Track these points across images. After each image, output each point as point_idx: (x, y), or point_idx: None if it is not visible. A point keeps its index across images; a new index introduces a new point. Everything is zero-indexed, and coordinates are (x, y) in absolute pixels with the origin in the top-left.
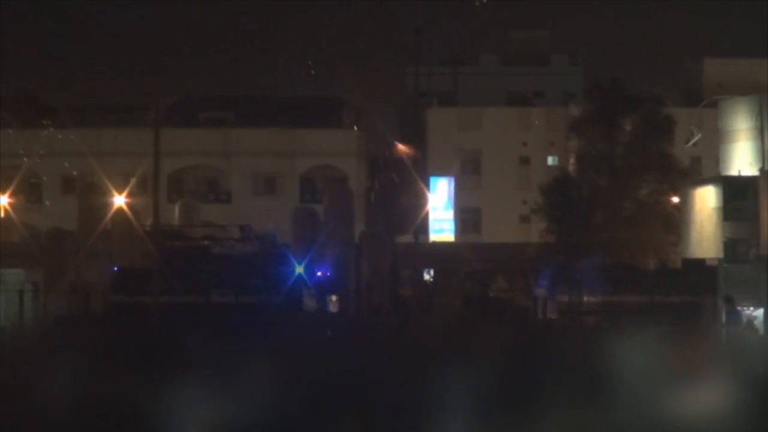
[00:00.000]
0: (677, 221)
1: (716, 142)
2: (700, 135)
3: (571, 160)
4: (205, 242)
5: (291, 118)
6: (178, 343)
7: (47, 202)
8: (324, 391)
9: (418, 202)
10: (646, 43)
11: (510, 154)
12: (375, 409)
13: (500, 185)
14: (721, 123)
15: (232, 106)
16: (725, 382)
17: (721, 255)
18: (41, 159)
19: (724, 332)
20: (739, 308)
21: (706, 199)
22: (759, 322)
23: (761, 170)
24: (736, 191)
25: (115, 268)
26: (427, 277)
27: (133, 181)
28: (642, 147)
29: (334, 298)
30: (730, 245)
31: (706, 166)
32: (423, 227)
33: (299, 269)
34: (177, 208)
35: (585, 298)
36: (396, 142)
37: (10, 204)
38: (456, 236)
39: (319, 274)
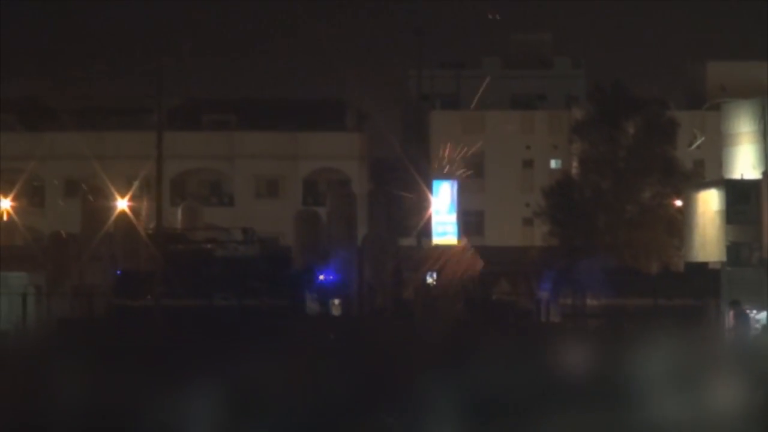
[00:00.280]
0: (680, 224)
1: (719, 145)
2: (703, 138)
3: (574, 163)
4: (208, 245)
5: (294, 121)
6: (181, 345)
7: (50, 206)
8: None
9: (421, 206)
10: (649, 45)
11: (513, 157)
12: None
13: (503, 188)
14: (724, 126)
15: (234, 109)
16: (730, 383)
17: (724, 258)
18: (44, 162)
19: (733, 335)
20: (746, 311)
21: (709, 202)
22: (762, 323)
23: (764, 173)
24: (738, 194)
25: (118, 272)
26: (429, 280)
27: (136, 184)
28: (645, 150)
29: (336, 301)
30: (733, 249)
31: (709, 169)
32: (426, 230)
33: (301, 272)
34: (180, 211)
35: (588, 301)
36: (399, 145)
37: (13, 207)
38: (459, 239)
39: (321, 277)
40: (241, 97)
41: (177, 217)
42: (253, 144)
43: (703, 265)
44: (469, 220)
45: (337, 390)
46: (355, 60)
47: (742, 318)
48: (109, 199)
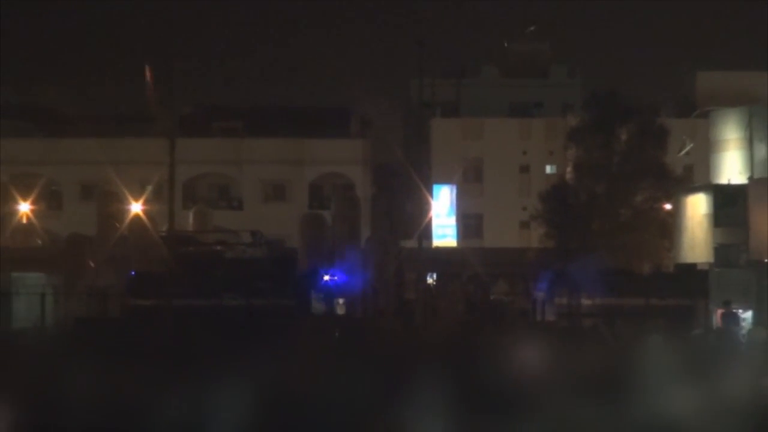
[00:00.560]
0: (670, 227)
1: (707, 151)
2: (692, 144)
3: (569, 169)
4: (218, 247)
5: (300, 127)
6: (192, 343)
7: (67, 209)
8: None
9: (422, 209)
10: (643, 56)
11: (510, 163)
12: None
13: (501, 192)
14: (712, 133)
15: (243, 116)
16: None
17: (712, 260)
18: (61, 167)
19: (721, 333)
20: (735, 311)
21: (698, 206)
22: (748, 323)
23: (750, 179)
24: (726, 199)
25: (132, 273)
26: (430, 281)
27: (149, 188)
28: (637, 156)
29: (341, 300)
30: (720, 250)
31: (698, 175)
32: (426, 233)
33: (307, 273)
34: (191, 215)
35: (583, 301)
36: (400, 151)
37: (31, 211)
38: (458, 241)
39: (326, 277)
40: (249, 104)
41: (188, 220)
42: (260, 150)
43: (693, 267)
44: (468, 223)
45: (343, 383)
46: (359, 69)
47: (731, 318)
48: (123, 202)
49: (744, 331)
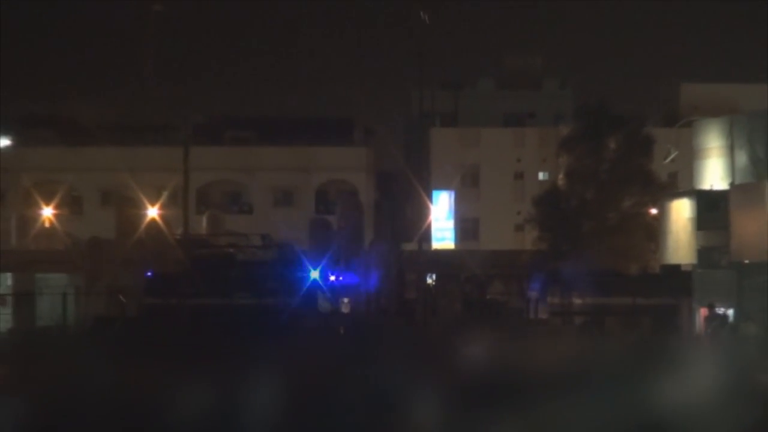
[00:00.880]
0: (656, 230)
1: (691, 159)
2: (676, 152)
3: (561, 175)
4: (230, 250)
5: (307, 136)
6: (207, 338)
7: (87, 214)
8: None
9: (422, 213)
10: (630, 69)
11: (505, 170)
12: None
13: (497, 197)
14: (695, 142)
15: (253, 126)
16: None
17: (695, 261)
18: (82, 174)
19: (708, 330)
20: (718, 311)
21: (682, 210)
22: (730, 321)
23: (731, 185)
24: (708, 203)
25: (149, 273)
26: (429, 281)
27: (165, 194)
28: (625, 163)
29: (346, 299)
30: (703, 252)
31: (682, 181)
32: (426, 236)
33: (314, 274)
34: (204, 219)
35: (574, 300)
36: (402, 159)
37: (54, 215)
38: (456, 244)
39: (332, 278)
40: (259, 115)
41: (202, 224)
42: (270, 158)
43: (677, 268)
44: (466, 227)
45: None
46: (362, 82)
47: (716, 318)
48: (141, 208)
49: (722, 328)
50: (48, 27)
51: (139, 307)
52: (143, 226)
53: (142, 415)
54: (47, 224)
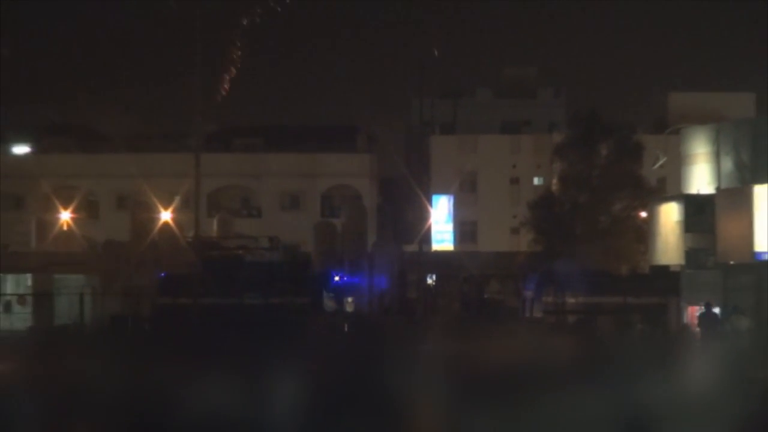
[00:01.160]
0: (646, 233)
1: (679, 164)
2: (665, 158)
3: (555, 180)
4: (239, 251)
5: (312, 143)
6: (217, 337)
7: (103, 217)
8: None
9: (422, 217)
10: (621, 78)
11: (502, 175)
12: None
13: (494, 202)
14: (683, 148)
15: (261, 133)
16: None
17: (683, 262)
18: (98, 180)
19: (702, 329)
20: (713, 310)
21: (671, 213)
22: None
23: (717, 189)
24: (696, 207)
25: (162, 274)
26: (430, 281)
27: (177, 198)
28: (616, 169)
29: (350, 299)
30: (691, 254)
31: (670, 185)
32: (426, 238)
33: (320, 275)
34: (215, 222)
35: (567, 300)
36: (403, 165)
37: (72, 219)
38: (455, 246)
39: (337, 278)
40: (267, 123)
41: (212, 227)
42: (277, 164)
43: (666, 268)
44: (464, 229)
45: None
46: (365, 91)
47: (709, 318)
48: (154, 211)
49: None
50: (66, 40)
51: (153, 307)
52: (157, 229)
53: (157, 410)
54: (65, 227)
